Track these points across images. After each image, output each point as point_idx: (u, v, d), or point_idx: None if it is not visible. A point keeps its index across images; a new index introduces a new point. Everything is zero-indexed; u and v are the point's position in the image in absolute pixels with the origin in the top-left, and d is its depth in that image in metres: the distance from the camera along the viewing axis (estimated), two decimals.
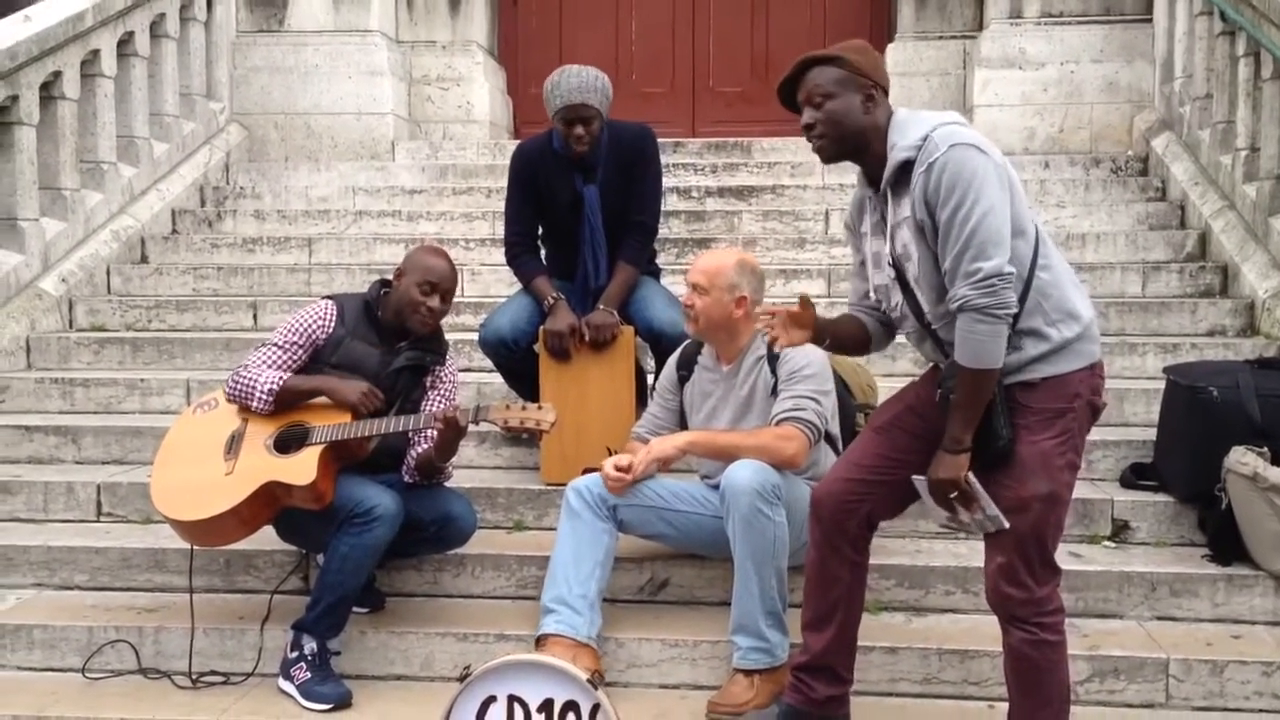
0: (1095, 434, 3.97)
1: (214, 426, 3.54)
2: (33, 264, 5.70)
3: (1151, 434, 4.24)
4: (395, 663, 3.59)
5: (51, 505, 4.39)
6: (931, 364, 2.97)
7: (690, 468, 3.83)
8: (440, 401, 3.65)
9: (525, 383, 4.31)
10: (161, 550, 3.97)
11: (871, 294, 2.96)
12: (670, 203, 6.32)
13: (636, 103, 7.65)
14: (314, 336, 3.58)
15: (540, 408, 3.40)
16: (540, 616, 3.39)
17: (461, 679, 2.97)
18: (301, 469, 3.34)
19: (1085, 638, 3.51)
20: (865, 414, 3.71)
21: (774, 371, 3.46)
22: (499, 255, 6.12)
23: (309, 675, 3.37)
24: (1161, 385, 4.20)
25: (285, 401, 3.48)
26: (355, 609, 3.57)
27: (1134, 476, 4.20)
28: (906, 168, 2.70)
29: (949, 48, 7.82)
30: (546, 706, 2.92)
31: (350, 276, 6.03)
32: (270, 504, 3.42)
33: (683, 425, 3.68)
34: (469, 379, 4.71)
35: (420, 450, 3.58)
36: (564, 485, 3.68)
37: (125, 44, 6.43)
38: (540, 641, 3.31)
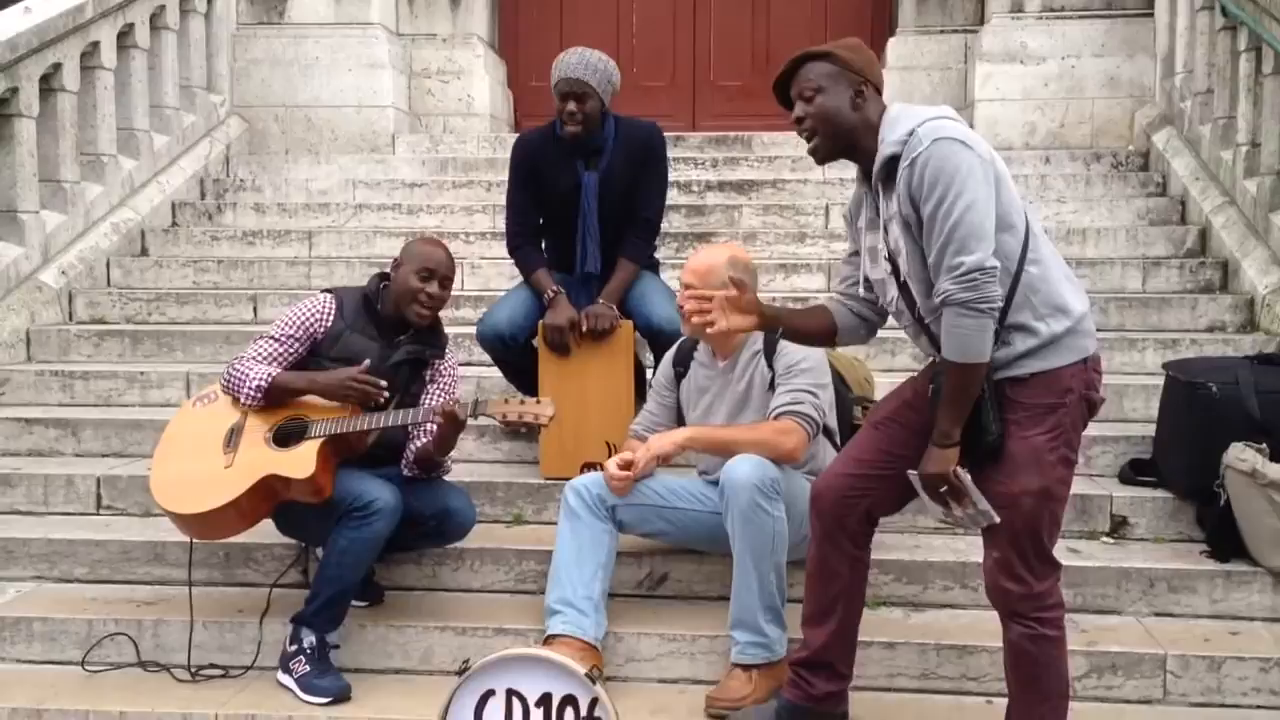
0: (1094, 429, 4.00)
1: (214, 420, 3.54)
2: (33, 256, 5.70)
3: (1151, 430, 4.24)
4: (394, 656, 3.59)
5: (51, 498, 4.39)
6: (930, 359, 2.97)
7: (689, 463, 3.84)
8: (440, 395, 3.65)
9: (524, 377, 4.31)
10: (161, 543, 3.97)
11: (860, 288, 2.96)
12: (671, 197, 6.25)
13: (637, 96, 7.62)
14: (312, 330, 3.58)
15: (539, 402, 3.40)
16: (545, 618, 3.40)
17: (460, 673, 2.97)
18: (300, 462, 3.35)
19: (1084, 633, 3.52)
20: (863, 407, 3.71)
21: (770, 366, 3.46)
22: (499, 248, 6.14)
23: (308, 668, 3.38)
24: (1161, 381, 4.19)
25: (275, 398, 3.48)
26: (354, 603, 3.58)
27: (1133, 472, 4.20)
28: (893, 163, 2.70)
29: (950, 42, 7.80)
30: (545, 700, 2.93)
31: (350, 270, 6.03)
32: (269, 497, 3.42)
33: (680, 422, 3.68)
34: (468, 373, 4.71)
35: (419, 444, 3.58)
36: (563, 479, 3.69)
37: (125, 36, 6.42)
38: (548, 643, 3.31)
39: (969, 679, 3.43)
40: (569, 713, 2.92)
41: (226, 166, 7.39)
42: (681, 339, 3.77)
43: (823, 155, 2.87)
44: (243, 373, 3.49)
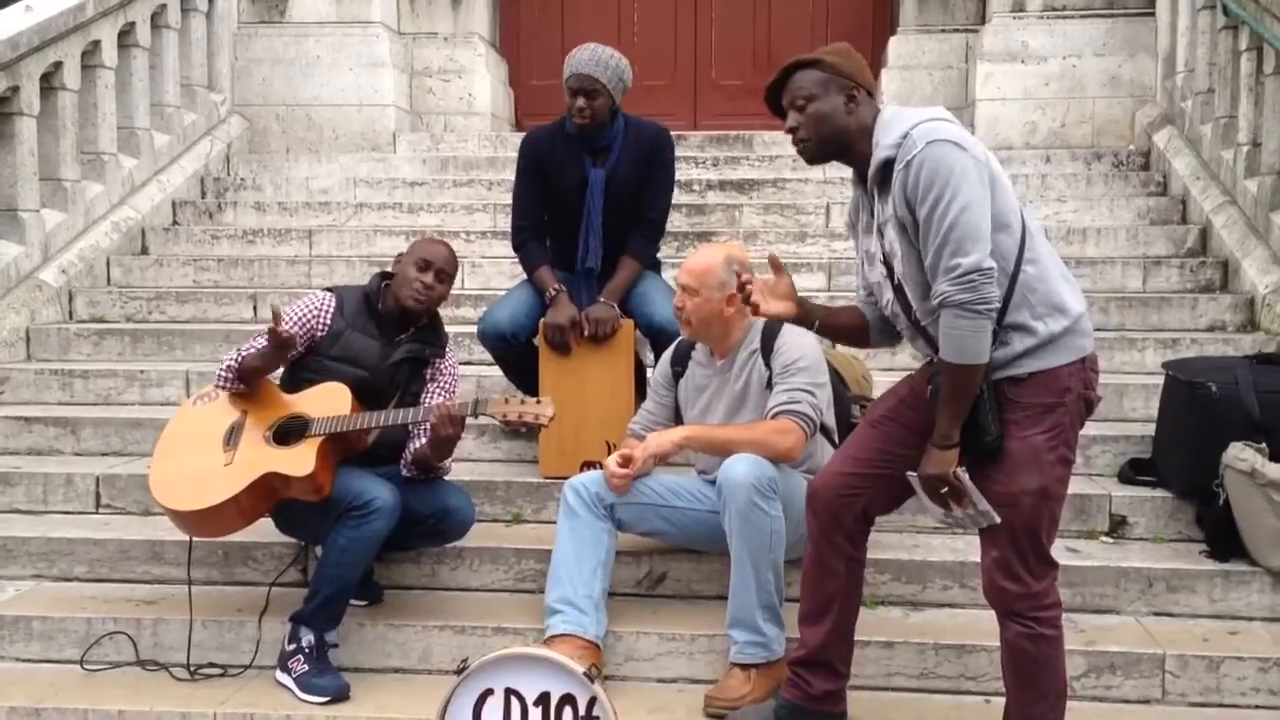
0: (1093, 429, 4.00)
1: (214, 418, 3.54)
2: (33, 255, 5.70)
3: (1150, 429, 4.24)
4: (393, 655, 3.59)
5: (50, 497, 4.39)
6: (927, 358, 2.97)
7: (688, 462, 3.84)
8: (440, 394, 3.65)
9: (525, 376, 4.31)
10: (160, 542, 3.97)
11: (861, 290, 2.97)
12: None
13: (638, 95, 7.51)
14: (310, 327, 3.59)
15: (539, 401, 3.40)
16: (546, 617, 3.40)
17: (459, 672, 2.98)
18: (300, 460, 3.35)
19: (1082, 633, 3.52)
20: (861, 406, 3.71)
21: (768, 365, 3.46)
22: (500, 248, 6.18)
23: (307, 667, 3.38)
24: (1161, 380, 4.19)
25: (248, 377, 3.49)
26: (353, 601, 3.58)
27: (1132, 472, 4.20)
28: (888, 166, 2.70)
29: (951, 41, 7.79)
30: (543, 700, 2.93)
31: (350, 269, 6.03)
32: (268, 495, 3.42)
33: (678, 421, 3.68)
34: (469, 372, 4.71)
35: (420, 443, 3.57)
36: (563, 478, 3.69)
37: (126, 34, 6.42)
38: (549, 642, 3.31)
39: (967, 678, 3.43)
40: (567, 712, 2.92)
41: (227, 165, 7.39)
42: (679, 338, 3.77)
43: (813, 157, 2.88)
44: (223, 363, 3.52)
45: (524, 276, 4.52)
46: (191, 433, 3.55)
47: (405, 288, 3.60)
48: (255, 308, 5.81)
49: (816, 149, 2.84)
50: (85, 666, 3.59)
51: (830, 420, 3.53)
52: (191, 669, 3.54)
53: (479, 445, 4.57)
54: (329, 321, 3.61)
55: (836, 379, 3.69)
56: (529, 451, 4.48)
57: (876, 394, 3.68)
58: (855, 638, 3.15)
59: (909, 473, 2.80)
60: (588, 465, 3.97)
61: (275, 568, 3.84)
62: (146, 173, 6.66)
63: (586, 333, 4.17)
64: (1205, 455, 3.79)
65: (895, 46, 7.81)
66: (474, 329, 4.53)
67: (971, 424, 2.68)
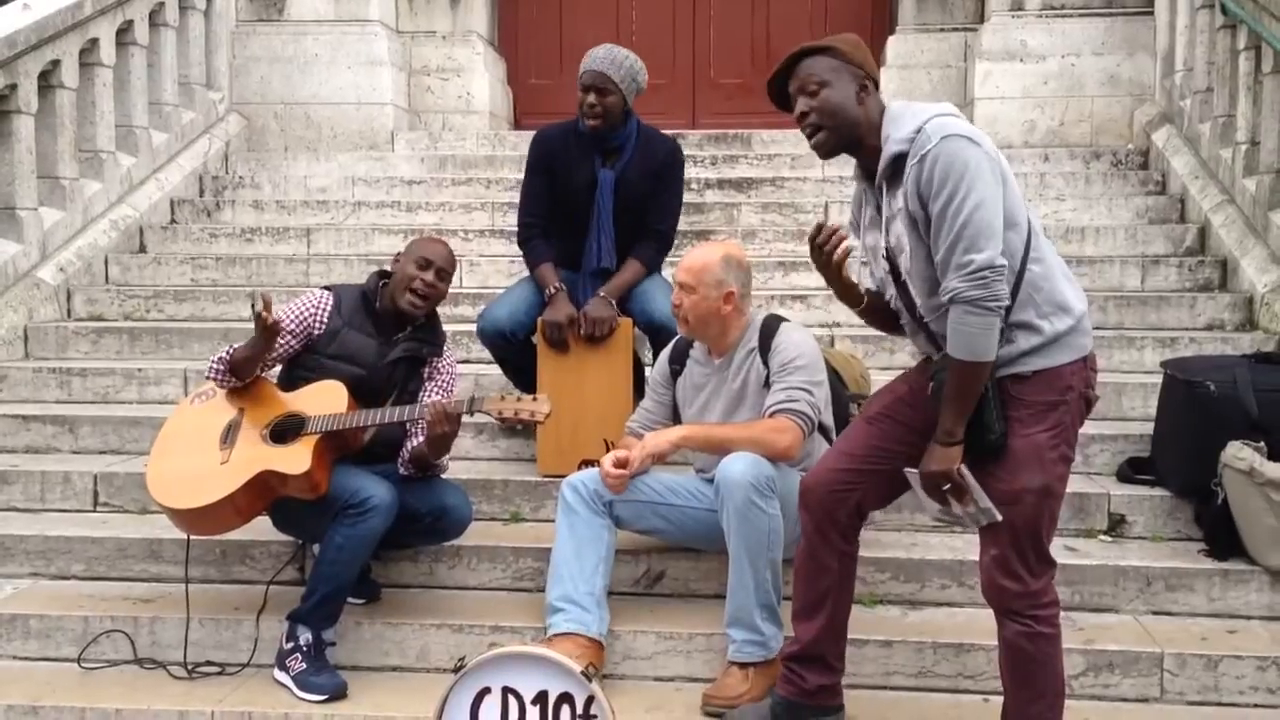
0: (1092, 428, 4.00)
1: (211, 416, 3.54)
2: (31, 253, 5.69)
3: (1149, 428, 4.24)
4: (390, 654, 3.59)
5: (48, 495, 4.39)
6: (925, 355, 2.96)
7: (686, 460, 3.83)
8: (438, 393, 3.65)
9: (524, 375, 4.31)
10: (158, 540, 3.97)
11: (871, 284, 2.96)
12: None
13: None
14: (307, 324, 3.59)
15: (535, 399, 3.40)
16: (547, 615, 3.39)
17: (456, 670, 2.97)
18: (296, 458, 3.34)
19: (1080, 631, 3.51)
20: (859, 404, 3.71)
21: (765, 363, 3.45)
22: (498, 246, 6.18)
23: (304, 666, 3.38)
24: (1159, 379, 4.19)
25: (240, 369, 3.48)
26: (351, 600, 3.57)
27: (1131, 470, 4.20)
28: (900, 160, 2.69)
29: (950, 40, 7.79)
30: (541, 698, 2.92)
31: (349, 267, 6.02)
32: (265, 494, 3.42)
33: (676, 419, 3.68)
34: (467, 370, 4.71)
35: (417, 442, 3.57)
36: (561, 477, 3.68)
37: (124, 33, 6.41)
38: (551, 641, 3.30)
39: (966, 677, 3.42)
40: (565, 711, 2.92)
41: (225, 164, 7.38)
42: (677, 337, 3.77)
43: (828, 150, 2.83)
44: (217, 356, 3.52)
45: (523, 275, 4.51)
46: (189, 431, 3.55)
47: (405, 287, 3.59)
48: (253, 306, 5.80)
49: (829, 137, 2.79)
50: (83, 665, 3.58)
51: (828, 419, 3.52)
52: (189, 667, 3.54)
53: (477, 444, 4.56)
54: (326, 320, 3.61)
55: (834, 378, 3.68)
56: (527, 450, 4.47)
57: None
58: (853, 636, 3.15)
59: (907, 469, 2.80)
60: (586, 463, 3.97)
61: (273, 566, 3.84)
62: (145, 171, 6.65)
63: (583, 332, 4.17)
64: (1204, 454, 3.79)
65: (894, 45, 7.81)
66: (472, 328, 4.52)
67: (975, 421, 2.68)
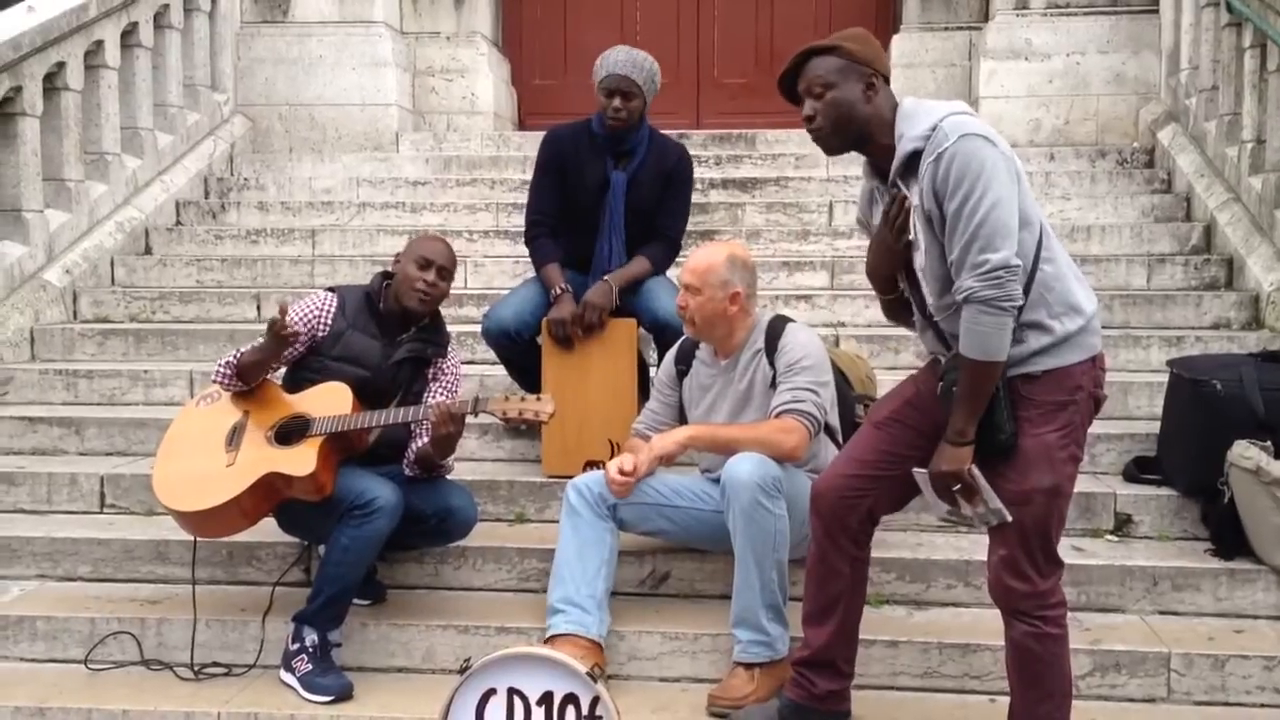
0: (1098, 427, 3.98)
1: (216, 418, 3.54)
2: (37, 255, 5.70)
3: (1155, 427, 4.23)
4: (396, 655, 3.59)
5: (55, 497, 4.39)
6: (932, 357, 2.96)
7: (691, 461, 3.83)
8: (442, 393, 3.65)
9: (528, 375, 4.31)
10: (164, 542, 3.97)
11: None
12: None
13: None
14: (312, 326, 3.59)
15: (539, 399, 3.40)
16: (548, 616, 3.39)
17: (462, 671, 2.97)
18: (301, 460, 3.35)
19: (1087, 631, 3.51)
20: (865, 405, 3.70)
21: (772, 364, 3.45)
22: (503, 247, 6.18)
23: (310, 667, 3.38)
24: (1165, 378, 4.18)
25: (247, 374, 3.48)
26: (356, 601, 3.58)
27: (1137, 470, 4.19)
28: (914, 158, 2.68)
29: (954, 39, 7.79)
30: (546, 699, 2.93)
31: (353, 268, 6.02)
32: (271, 495, 3.42)
33: (682, 420, 3.67)
34: (471, 371, 4.71)
35: (421, 443, 3.57)
36: (565, 478, 3.69)
37: (129, 35, 6.42)
38: (550, 642, 3.30)
39: (972, 677, 3.42)
40: (570, 712, 2.92)
41: (230, 165, 7.39)
42: (683, 337, 3.77)
43: (831, 146, 2.84)
44: (224, 361, 3.52)
45: (528, 275, 4.51)
46: (194, 433, 3.55)
47: (407, 287, 3.59)
48: (259, 307, 5.81)
49: (834, 138, 2.80)
50: (89, 666, 3.59)
51: (834, 420, 3.52)
52: (195, 669, 3.54)
53: (482, 444, 4.57)
54: (330, 321, 3.61)
55: (840, 378, 3.68)
56: (532, 451, 4.48)
57: (880, 394, 3.66)
58: (860, 637, 3.14)
59: (916, 470, 2.79)
60: (591, 465, 3.97)
61: (279, 567, 3.84)
62: (150, 173, 6.66)
63: (582, 321, 4.15)
64: (1210, 453, 3.78)
65: (898, 44, 7.80)
66: (477, 328, 4.52)
67: (985, 421, 2.68)
